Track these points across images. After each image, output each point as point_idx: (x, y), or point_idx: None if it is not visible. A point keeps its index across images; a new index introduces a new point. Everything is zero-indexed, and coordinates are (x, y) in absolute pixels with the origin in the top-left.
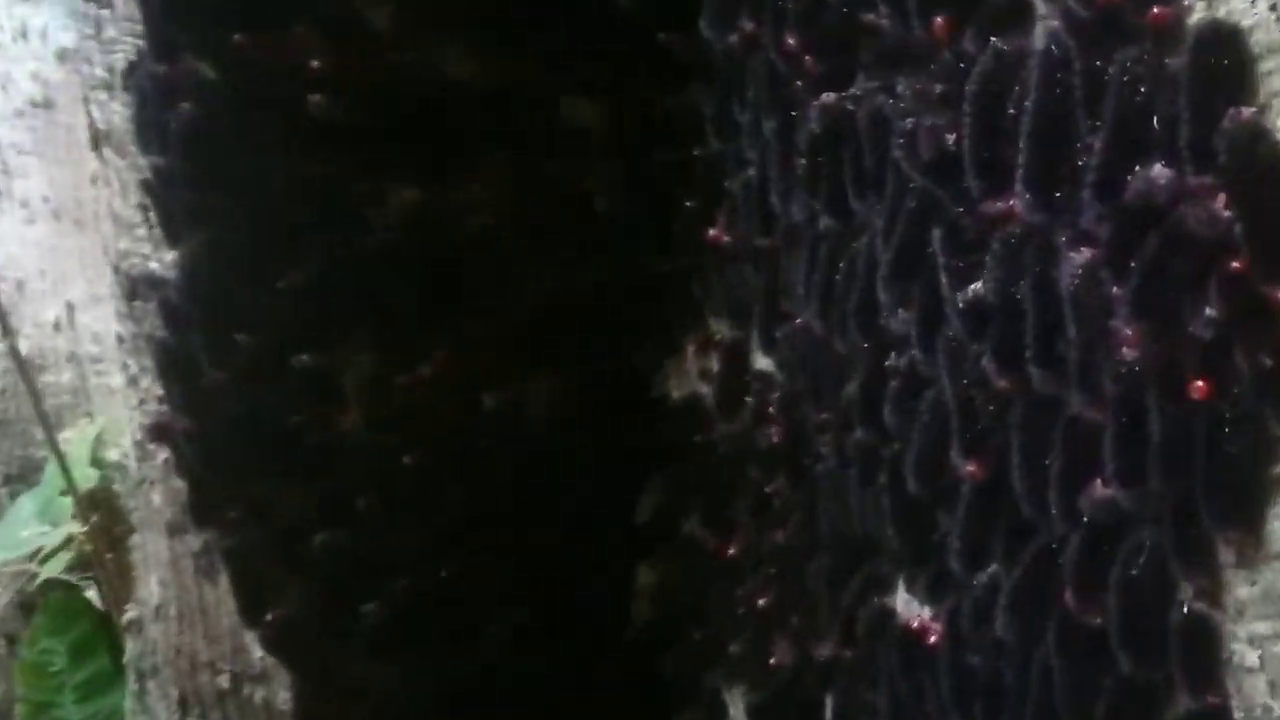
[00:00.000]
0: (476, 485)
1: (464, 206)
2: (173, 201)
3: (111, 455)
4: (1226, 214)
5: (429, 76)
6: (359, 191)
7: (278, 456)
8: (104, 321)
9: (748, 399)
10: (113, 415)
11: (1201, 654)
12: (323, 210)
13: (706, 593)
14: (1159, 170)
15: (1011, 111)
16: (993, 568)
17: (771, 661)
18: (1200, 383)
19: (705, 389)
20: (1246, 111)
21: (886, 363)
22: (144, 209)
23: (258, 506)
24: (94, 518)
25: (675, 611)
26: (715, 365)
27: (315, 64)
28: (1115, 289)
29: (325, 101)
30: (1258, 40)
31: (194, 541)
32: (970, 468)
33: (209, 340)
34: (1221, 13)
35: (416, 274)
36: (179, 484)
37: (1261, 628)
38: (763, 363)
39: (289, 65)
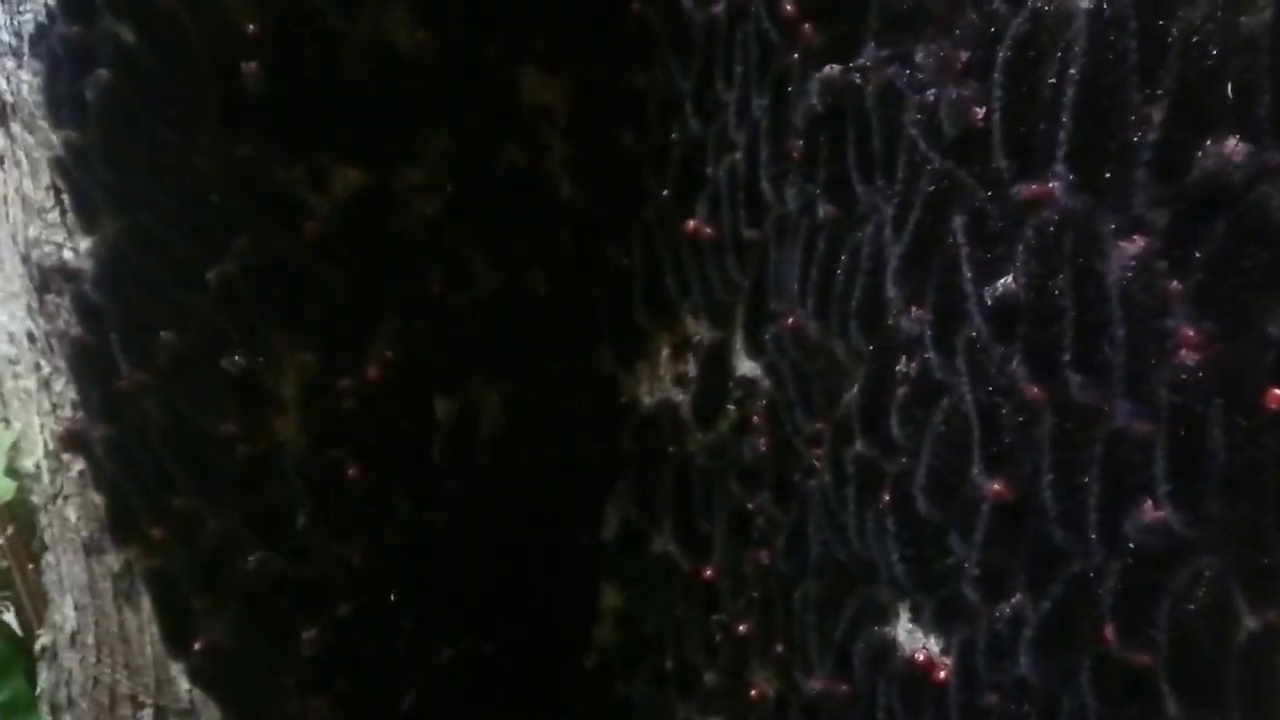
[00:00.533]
0: (426, 500)
1: (409, 191)
2: (88, 183)
3: (29, 464)
4: None
5: (373, 46)
6: (296, 173)
7: (205, 468)
8: (20, 319)
9: (729, 406)
10: (30, 421)
11: (1267, 696)
12: (256, 194)
13: (679, 617)
14: (1233, 145)
15: (1052, 81)
16: (1016, 598)
17: (752, 694)
18: (1277, 391)
19: (680, 395)
20: None
21: (895, 367)
22: (56, 191)
23: (184, 524)
24: (9, 531)
25: (643, 637)
26: (692, 370)
27: (250, 28)
28: (1174, 284)
29: (260, 70)
30: None
31: (113, 562)
32: (995, 486)
33: (129, 339)
34: None
35: (358, 265)
36: (97, 498)
37: None
38: (746, 367)
39: (220, 28)
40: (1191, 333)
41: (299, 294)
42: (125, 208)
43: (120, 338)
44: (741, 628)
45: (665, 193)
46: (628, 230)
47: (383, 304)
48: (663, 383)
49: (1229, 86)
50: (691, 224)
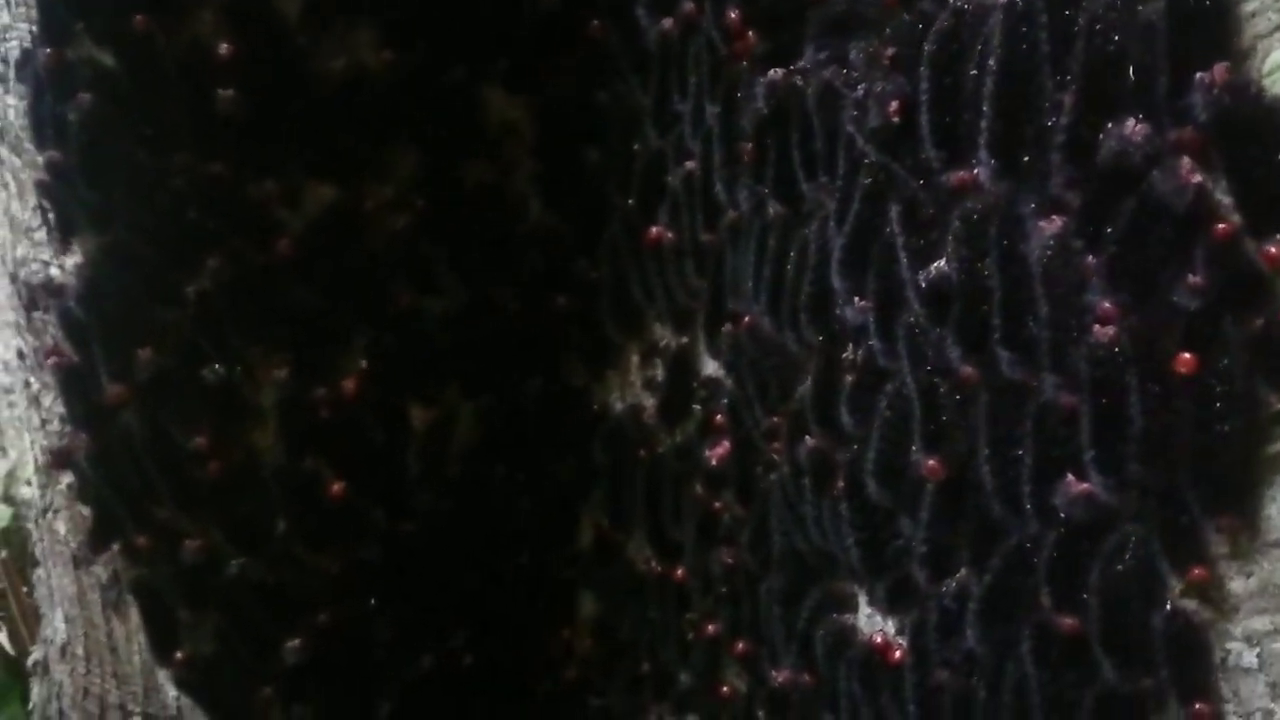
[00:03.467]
0: (402, 510)
1: (379, 207)
2: (71, 202)
3: (25, 492)
4: (1208, 174)
5: (342, 66)
6: (269, 190)
7: (185, 479)
8: (12, 345)
9: (695, 407)
10: (25, 449)
11: (1193, 657)
12: (230, 211)
13: (653, 620)
14: (1133, 127)
15: (973, 72)
16: (960, 574)
17: (724, 691)
18: (1186, 356)
19: (650, 400)
20: (1222, 66)
21: (842, 356)
22: (42, 211)
23: (166, 533)
24: (3, 555)
25: (620, 642)
26: (660, 374)
27: (222, 51)
28: (1089, 260)
29: (232, 92)
30: None
31: (101, 573)
32: (931, 463)
33: (110, 353)
34: None
35: (331, 280)
36: (84, 511)
37: (1259, 624)
38: (710, 368)
39: (193, 52)
40: (1108, 305)
41: (273, 308)
42: (105, 226)
43: (102, 352)
44: (711, 627)
45: (630, 203)
46: (595, 243)
47: (355, 317)
48: (633, 388)
49: (1130, 71)
50: (654, 231)
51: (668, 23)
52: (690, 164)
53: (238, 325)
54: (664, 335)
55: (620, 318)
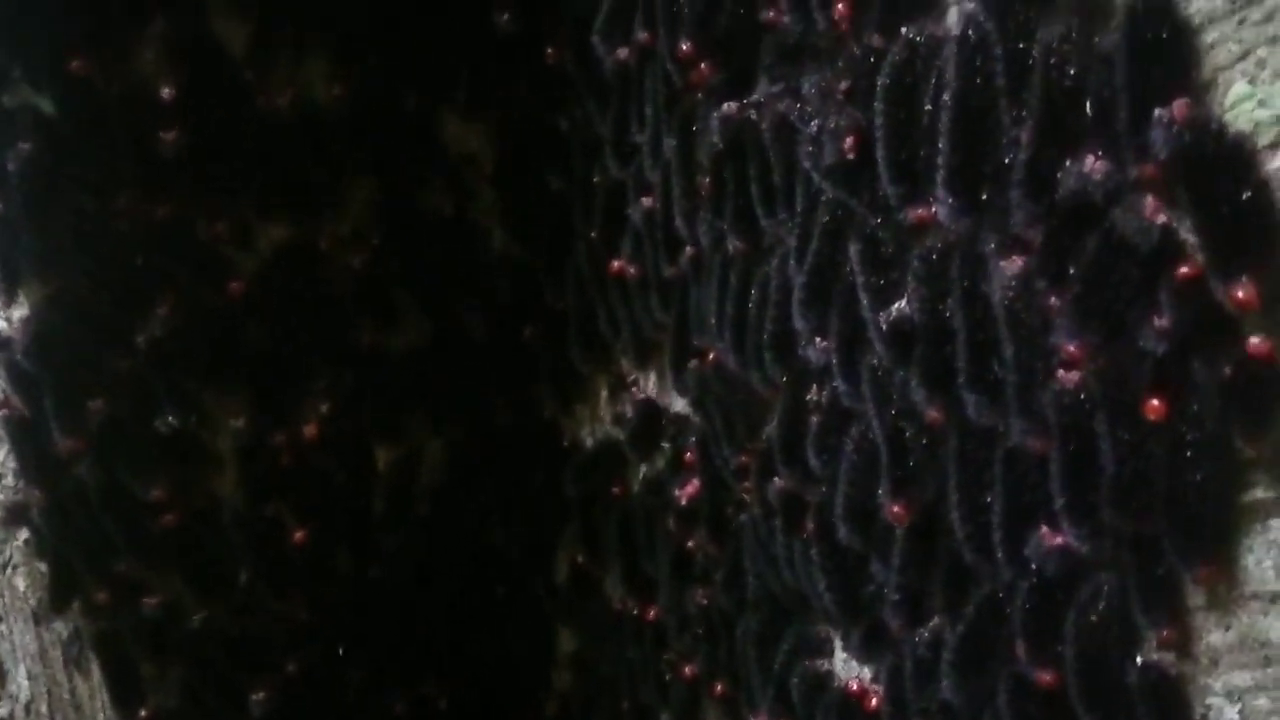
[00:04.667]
0: (369, 552)
1: (336, 243)
2: (15, 252)
3: None
4: (1172, 211)
5: (291, 101)
6: (219, 231)
7: (144, 530)
8: None
9: (664, 444)
10: None
11: (1171, 713)
12: (179, 254)
13: (631, 658)
14: (1093, 163)
15: (928, 106)
16: (934, 622)
17: None
18: (1155, 401)
19: (620, 435)
20: (1182, 102)
21: (807, 397)
22: None
23: (127, 588)
24: None
25: (599, 680)
26: (629, 409)
27: (165, 92)
28: (1053, 300)
29: (177, 133)
30: (1197, 9)
31: (62, 629)
32: (896, 509)
33: (61, 405)
34: None
35: (287, 320)
36: (43, 566)
37: (1240, 679)
38: (679, 404)
39: (136, 94)
40: (1073, 348)
41: (228, 352)
42: (51, 275)
43: (53, 405)
44: (688, 668)
45: (593, 234)
46: (560, 273)
47: (315, 358)
48: (603, 423)
49: (1088, 105)
50: (616, 264)
51: (623, 52)
52: (649, 199)
53: (192, 371)
54: (630, 370)
55: (587, 349)
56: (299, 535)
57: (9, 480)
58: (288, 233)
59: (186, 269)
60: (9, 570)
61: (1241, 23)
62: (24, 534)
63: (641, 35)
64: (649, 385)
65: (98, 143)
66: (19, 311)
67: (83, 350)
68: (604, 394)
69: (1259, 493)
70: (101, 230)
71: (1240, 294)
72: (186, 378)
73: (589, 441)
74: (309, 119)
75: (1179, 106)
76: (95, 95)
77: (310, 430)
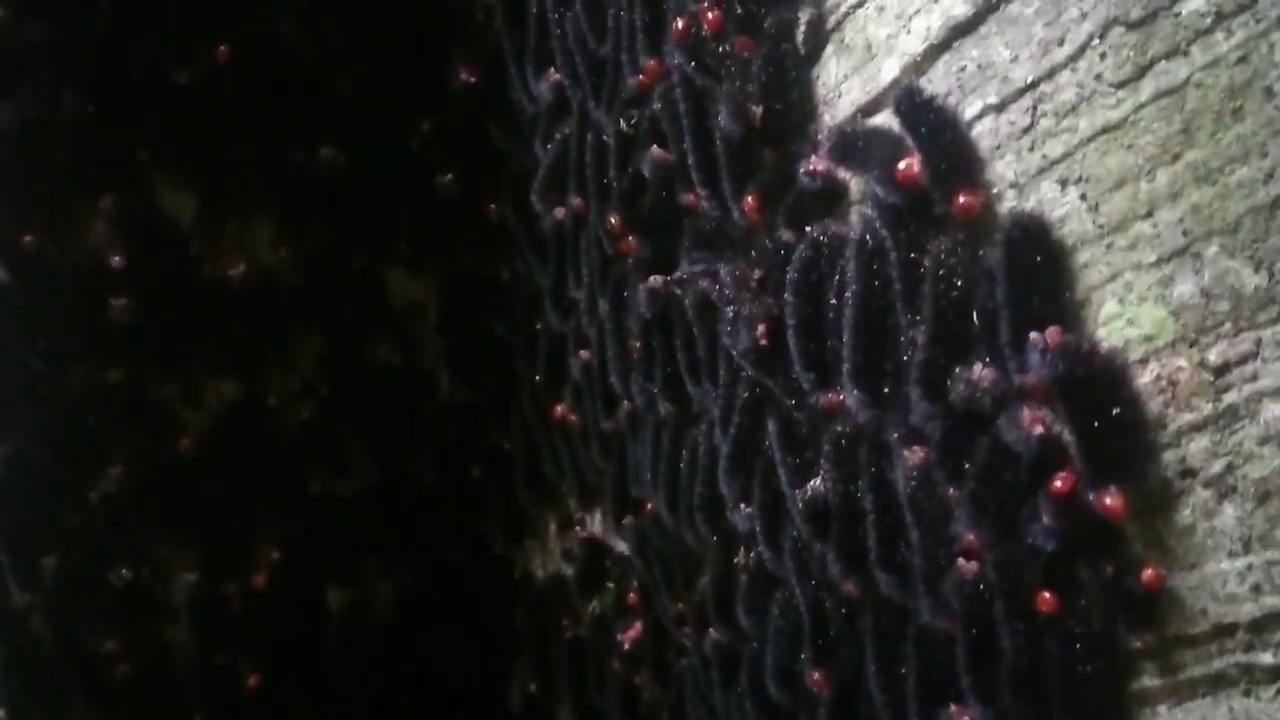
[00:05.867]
0: (325, 691)
1: (284, 397)
2: None
3: None
4: (1048, 425)
5: (239, 266)
6: (169, 391)
7: (98, 683)
8: None
9: (609, 584)
10: None
11: None
12: (130, 415)
13: None
14: (980, 371)
15: (833, 301)
16: None
17: None
18: (1047, 595)
19: (569, 570)
20: (1055, 329)
21: (735, 559)
22: None
23: None
24: None
25: None
26: (575, 547)
27: (115, 260)
28: (952, 492)
29: (127, 300)
30: (1071, 231)
31: None
32: (817, 676)
33: (17, 560)
34: (1031, 202)
35: (237, 474)
36: (1, 712)
37: None
38: (621, 545)
39: (87, 263)
40: (972, 538)
41: (180, 506)
42: (5, 435)
43: (8, 560)
44: None
45: (537, 379)
46: (506, 415)
47: (265, 508)
48: (553, 557)
49: (974, 314)
50: (559, 410)
51: (560, 212)
52: (586, 353)
53: (144, 526)
54: (577, 508)
55: (534, 489)
56: (252, 680)
57: None
58: (236, 390)
59: (138, 428)
60: None
61: (1110, 247)
62: None
63: (575, 201)
64: (594, 524)
65: (50, 310)
66: None
67: (37, 507)
68: (553, 529)
69: (1146, 681)
70: (55, 393)
71: (1109, 502)
72: (139, 532)
73: (540, 574)
74: (257, 282)
75: (1052, 333)
76: (47, 265)
77: (261, 578)
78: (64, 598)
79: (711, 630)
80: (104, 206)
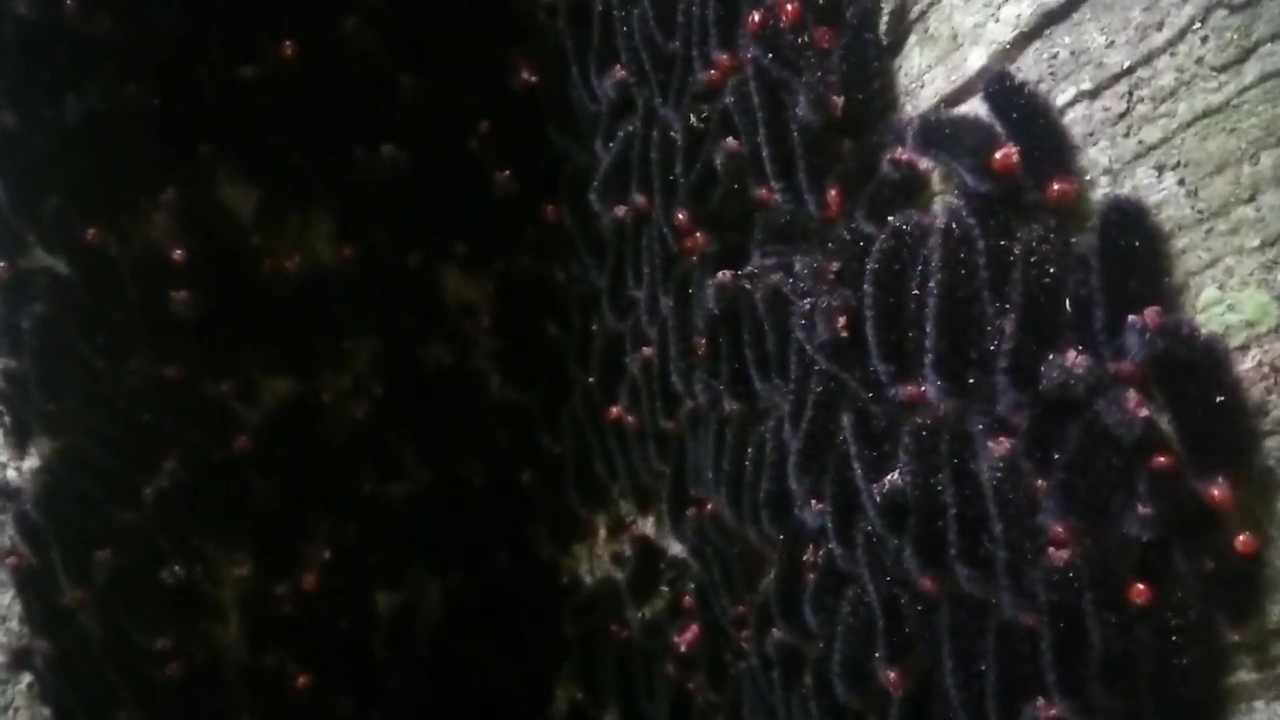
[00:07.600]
0: (373, 694)
1: (338, 397)
2: (26, 407)
3: None
4: (1149, 409)
5: (297, 263)
6: (225, 388)
7: (147, 681)
8: None
9: (662, 588)
10: None
11: None
12: (186, 411)
13: None
14: (1074, 358)
15: (916, 292)
16: None
17: None
18: (1140, 586)
19: (619, 574)
20: (1154, 310)
21: (804, 557)
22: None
23: None
24: None
25: None
26: (628, 549)
27: (176, 255)
28: (1040, 482)
29: (187, 295)
30: (1168, 216)
31: None
32: (892, 675)
33: (68, 556)
34: (1126, 188)
35: (290, 473)
36: (45, 711)
37: None
38: (677, 548)
39: (147, 257)
40: (1060, 529)
41: (232, 505)
42: (61, 430)
43: (60, 555)
44: None
45: (590, 380)
46: (557, 418)
47: (316, 508)
48: (602, 561)
49: (1066, 302)
50: (614, 411)
51: (620, 210)
52: (647, 350)
53: (197, 524)
54: (629, 511)
55: (585, 492)
56: (301, 681)
57: (13, 624)
58: (291, 388)
59: (193, 425)
60: (11, 713)
61: (1209, 232)
62: (26, 678)
63: (638, 198)
64: (647, 527)
65: (109, 304)
66: (29, 463)
67: (90, 503)
68: (602, 533)
69: (1243, 675)
70: (112, 388)
71: (1216, 493)
72: (191, 530)
73: (588, 579)
74: (314, 280)
75: (1151, 314)
76: (108, 258)
77: (311, 579)
78: (115, 595)
79: (774, 630)
80: (166, 200)
